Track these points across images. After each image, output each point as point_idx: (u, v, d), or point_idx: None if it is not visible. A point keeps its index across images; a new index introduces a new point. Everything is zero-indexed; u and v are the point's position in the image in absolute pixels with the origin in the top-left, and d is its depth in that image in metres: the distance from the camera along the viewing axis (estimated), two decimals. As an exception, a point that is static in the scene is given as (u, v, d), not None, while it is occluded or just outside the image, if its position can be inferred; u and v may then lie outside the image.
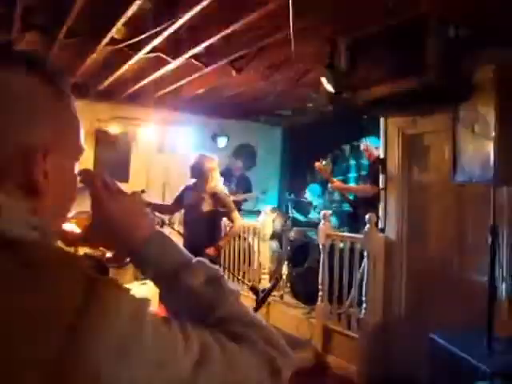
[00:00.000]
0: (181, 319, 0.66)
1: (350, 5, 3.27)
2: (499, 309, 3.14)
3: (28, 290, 0.53)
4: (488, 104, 2.53)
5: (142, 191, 4.47)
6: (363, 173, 6.36)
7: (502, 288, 3.28)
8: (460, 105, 2.78)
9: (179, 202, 4.67)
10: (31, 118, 0.63)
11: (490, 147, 2.52)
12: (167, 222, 5.16)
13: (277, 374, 0.72)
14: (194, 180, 4.54)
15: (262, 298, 4.30)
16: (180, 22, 3.50)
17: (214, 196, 4.39)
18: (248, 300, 5.51)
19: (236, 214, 4.53)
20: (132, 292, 0.61)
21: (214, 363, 0.64)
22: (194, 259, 0.81)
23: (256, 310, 4.26)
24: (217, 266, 0.84)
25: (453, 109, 2.87)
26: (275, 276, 5.23)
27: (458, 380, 2.71)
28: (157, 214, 4.94)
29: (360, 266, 4.35)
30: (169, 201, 5.06)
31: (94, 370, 0.52)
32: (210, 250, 4.30)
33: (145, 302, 0.61)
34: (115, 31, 3.81)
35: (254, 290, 4.33)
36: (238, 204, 6.86)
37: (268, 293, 4.47)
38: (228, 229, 4.78)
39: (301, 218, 6.75)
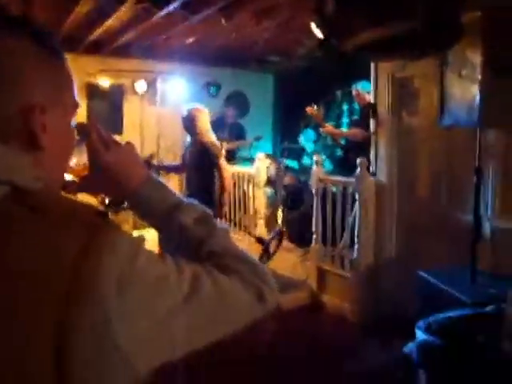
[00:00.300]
0: (175, 256, 0.73)
1: None
2: (484, 246, 3.30)
3: (37, 232, 0.59)
4: (475, 49, 2.58)
5: (151, 156, 4.54)
6: (355, 117, 6.40)
7: (487, 226, 3.42)
8: (448, 49, 2.82)
9: (183, 161, 4.67)
10: (27, 78, 0.68)
11: (475, 91, 2.59)
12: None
13: (263, 303, 0.79)
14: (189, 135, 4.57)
15: (267, 249, 4.50)
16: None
17: (204, 148, 4.36)
18: (241, 246, 5.69)
19: (224, 169, 4.43)
20: (130, 233, 0.68)
21: (206, 292, 0.70)
22: (186, 200, 0.90)
23: (267, 258, 4.45)
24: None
25: (440, 54, 2.90)
26: (277, 228, 5.34)
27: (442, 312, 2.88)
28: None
29: (352, 209, 4.49)
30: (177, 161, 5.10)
31: (100, 305, 0.58)
32: (214, 209, 4.20)
33: (140, 239, 0.68)
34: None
35: (260, 240, 4.54)
36: (232, 152, 6.94)
37: (274, 239, 4.66)
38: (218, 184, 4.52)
39: (293, 164, 6.83)
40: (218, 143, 4.53)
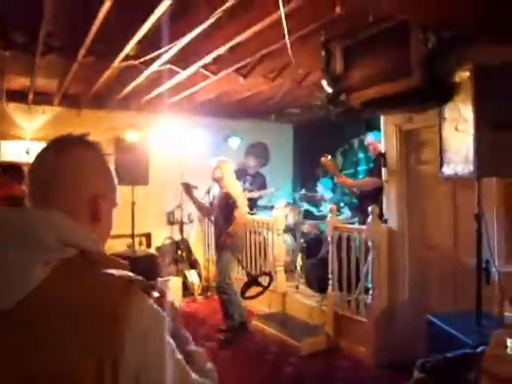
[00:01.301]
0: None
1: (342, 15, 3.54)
2: (492, 289, 3.39)
3: (94, 278, 0.92)
4: (467, 104, 2.78)
5: (194, 187, 5.27)
6: (370, 166, 6.57)
7: (495, 271, 3.52)
8: (444, 104, 3.04)
9: (211, 203, 5.42)
10: (95, 176, 1.08)
11: (470, 144, 2.77)
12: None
13: None
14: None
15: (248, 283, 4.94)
16: (187, 38, 3.80)
17: (227, 194, 5.07)
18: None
19: (239, 209, 5.06)
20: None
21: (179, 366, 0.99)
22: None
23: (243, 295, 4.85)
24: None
25: (439, 108, 3.12)
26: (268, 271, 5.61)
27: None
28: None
29: (367, 255, 4.62)
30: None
31: (124, 348, 0.85)
32: (222, 237, 5.01)
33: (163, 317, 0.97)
34: (129, 49, 4.13)
35: (248, 274, 5.04)
36: (253, 200, 7.18)
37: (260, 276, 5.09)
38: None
39: (313, 209, 6.98)
40: (239, 191, 5.22)
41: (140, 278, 0.96)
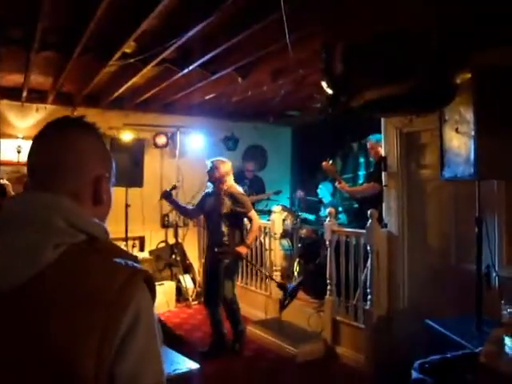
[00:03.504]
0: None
1: (343, 13, 3.49)
2: (492, 294, 3.33)
3: (98, 265, 0.93)
4: (468, 106, 2.73)
5: (174, 187, 5.03)
6: (371, 170, 6.52)
7: (496, 276, 3.46)
8: (445, 106, 2.98)
9: (200, 207, 5.08)
10: (96, 157, 1.07)
11: (471, 146, 2.72)
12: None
13: None
14: (211, 185, 4.92)
15: (290, 293, 4.70)
16: (186, 37, 3.74)
17: (232, 197, 4.75)
18: (259, 298, 5.75)
19: (253, 213, 4.88)
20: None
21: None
22: None
23: (285, 305, 4.65)
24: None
25: (439, 110, 3.06)
26: (299, 276, 5.46)
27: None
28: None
29: (366, 260, 4.54)
30: (192, 204, 5.53)
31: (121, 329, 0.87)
32: (241, 248, 4.74)
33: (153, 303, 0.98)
34: (125, 46, 4.06)
35: (281, 286, 4.76)
36: (252, 205, 7.10)
37: (296, 288, 4.85)
38: (249, 227, 5.07)
39: (310, 217, 6.91)
40: (241, 191, 4.93)
41: (144, 268, 0.98)
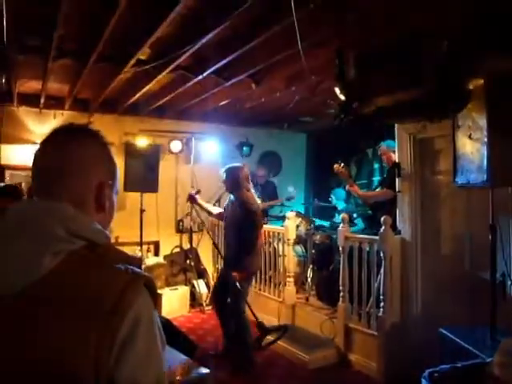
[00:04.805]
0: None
1: (356, 20, 3.49)
2: (508, 303, 3.28)
3: (99, 270, 0.93)
4: (481, 112, 2.71)
5: (198, 191, 4.94)
6: (385, 176, 6.48)
7: (510, 284, 3.41)
8: (458, 113, 2.96)
9: (222, 215, 4.93)
10: (99, 164, 1.08)
11: (484, 152, 2.70)
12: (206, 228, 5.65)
13: None
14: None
15: (267, 332, 4.56)
16: (200, 43, 3.77)
17: (242, 206, 4.55)
18: (272, 303, 5.73)
19: (259, 230, 4.64)
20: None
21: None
22: None
23: (261, 345, 4.53)
24: None
25: (452, 116, 3.05)
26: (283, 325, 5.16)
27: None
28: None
29: (379, 267, 4.51)
30: (218, 208, 5.31)
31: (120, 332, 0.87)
32: (236, 275, 4.44)
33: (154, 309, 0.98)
34: (140, 53, 4.12)
35: (260, 326, 4.59)
36: (264, 210, 7.09)
37: (277, 330, 4.74)
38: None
39: (324, 223, 6.88)
40: (253, 198, 4.68)
41: (143, 272, 0.98)
